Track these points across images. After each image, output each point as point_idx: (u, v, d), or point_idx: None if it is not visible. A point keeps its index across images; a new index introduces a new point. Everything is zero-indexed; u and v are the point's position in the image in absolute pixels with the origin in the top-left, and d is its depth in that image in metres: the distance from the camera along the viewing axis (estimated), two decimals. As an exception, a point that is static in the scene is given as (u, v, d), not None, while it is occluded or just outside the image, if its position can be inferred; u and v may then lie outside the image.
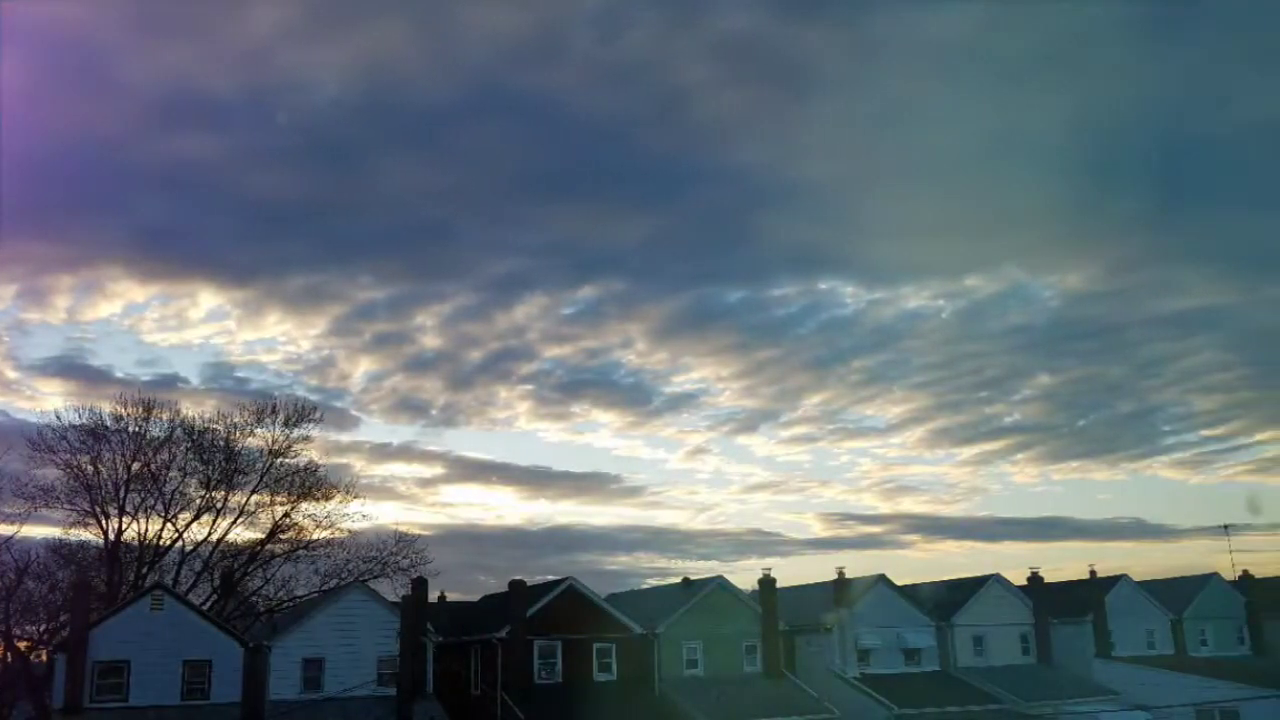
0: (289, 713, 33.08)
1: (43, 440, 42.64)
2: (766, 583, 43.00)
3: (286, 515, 45.22)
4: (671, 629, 40.60)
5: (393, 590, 43.14)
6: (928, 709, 39.36)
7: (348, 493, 47.32)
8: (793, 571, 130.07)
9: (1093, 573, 50.32)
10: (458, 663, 38.61)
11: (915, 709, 39.18)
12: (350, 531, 47.24)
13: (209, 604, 42.30)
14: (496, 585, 57.51)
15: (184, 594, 40.64)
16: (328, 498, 46.03)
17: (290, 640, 35.11)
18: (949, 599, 46.39)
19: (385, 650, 34.61)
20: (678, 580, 46.65)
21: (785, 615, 42.85)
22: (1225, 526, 72.27)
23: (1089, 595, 48.14)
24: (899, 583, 45.65)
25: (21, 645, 42.28)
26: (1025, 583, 47.96)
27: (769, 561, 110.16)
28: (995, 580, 47.20)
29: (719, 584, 42.90)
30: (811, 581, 47.32)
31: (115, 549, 43.28)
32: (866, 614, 43.18)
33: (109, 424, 43.89)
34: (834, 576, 44.52)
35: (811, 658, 42.85)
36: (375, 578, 44.77)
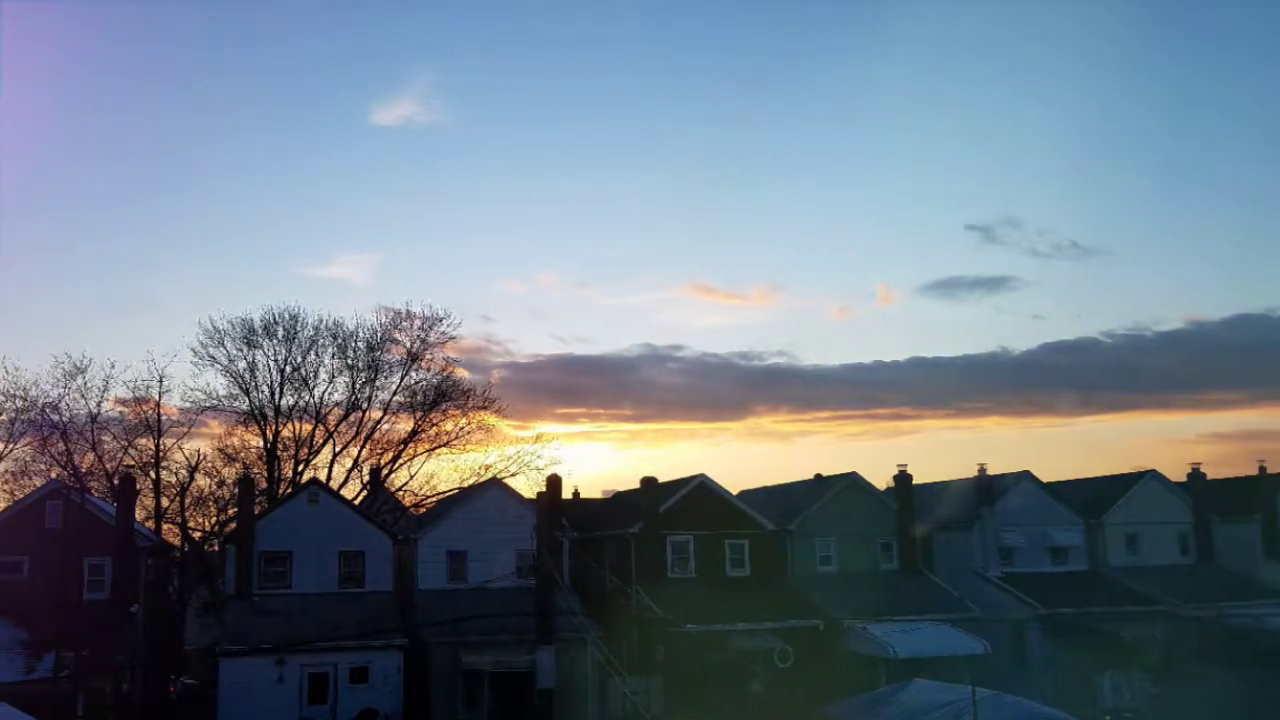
0: (437, 601, 34.71)
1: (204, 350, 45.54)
2: (902, 479, 42.09)
3: (425, 417, 46.89)
4: (804, 525, 40.41)
5: (529, 488, 44.40)
6: (1074, 609, 38.06)
7: (484, 396, 48.70)
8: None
9: (1262, 468, 47.07)
10: (592, 557, 39.62)
11: (1061, 609, 37.95)
12: (489, 431, 48.71)
13: (359, 499, 44.60)
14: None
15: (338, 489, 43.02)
16: (466, 401, 47.48)
17: (433, 534, 36.69)
18: (1099, 496, 44.36)
19: (522, 544, 35.60)
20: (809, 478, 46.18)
21: (922, 511, 41.94)
22: None
23: (1257, 492, 45.13)
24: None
25: (196, 536, 45.86)
26: (1185, 479, 45.32)
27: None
28: (1151, 476, 44.77)
29: (852, 480, 42.29)
30: (949, 478, 46.10)
31: (274, 448, 46.03)
32: (1010, 511, 41.81)
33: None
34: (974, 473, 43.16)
35: (951, 556, 41.94)
36: (513, 475, 46.14)
